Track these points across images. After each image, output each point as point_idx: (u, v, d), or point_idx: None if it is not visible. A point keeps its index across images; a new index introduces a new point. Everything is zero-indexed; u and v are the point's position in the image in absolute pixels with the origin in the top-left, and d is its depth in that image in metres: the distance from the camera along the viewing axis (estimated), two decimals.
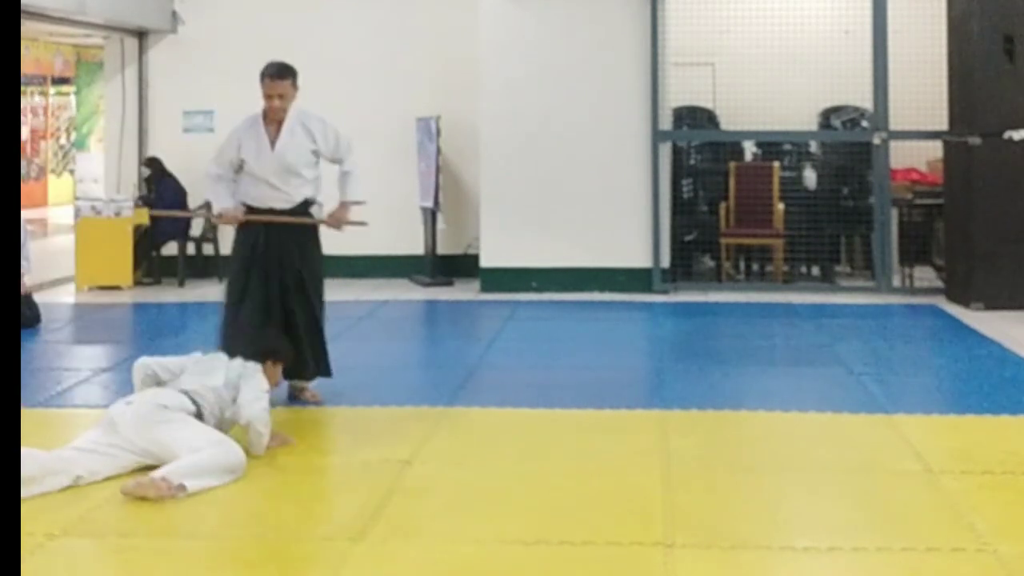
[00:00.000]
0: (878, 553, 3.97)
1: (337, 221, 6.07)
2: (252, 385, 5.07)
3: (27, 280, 8.54)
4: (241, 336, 5.54)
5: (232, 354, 5.26)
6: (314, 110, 6.06)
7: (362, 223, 6.21)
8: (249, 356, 5.23)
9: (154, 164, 10.83)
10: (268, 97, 5.72)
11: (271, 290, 5.82)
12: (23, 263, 8.50)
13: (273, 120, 5.82)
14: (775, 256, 10.36)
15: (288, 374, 5.68)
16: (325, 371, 6.08)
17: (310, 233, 6.01)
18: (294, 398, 6.02)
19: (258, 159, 5.80)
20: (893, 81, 9.83)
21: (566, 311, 9.22)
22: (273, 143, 5.80)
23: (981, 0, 9.12)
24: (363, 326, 8.55)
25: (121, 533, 4.22)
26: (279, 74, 5.73)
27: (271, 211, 5.86)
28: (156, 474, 4.53)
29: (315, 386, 6.10)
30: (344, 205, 6.06)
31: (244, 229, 5.92)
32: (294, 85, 5.78)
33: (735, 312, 9.04)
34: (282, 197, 5.86)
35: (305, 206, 5.96)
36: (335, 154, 5.97)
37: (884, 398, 6.12)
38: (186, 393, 4.95)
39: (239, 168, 5.89)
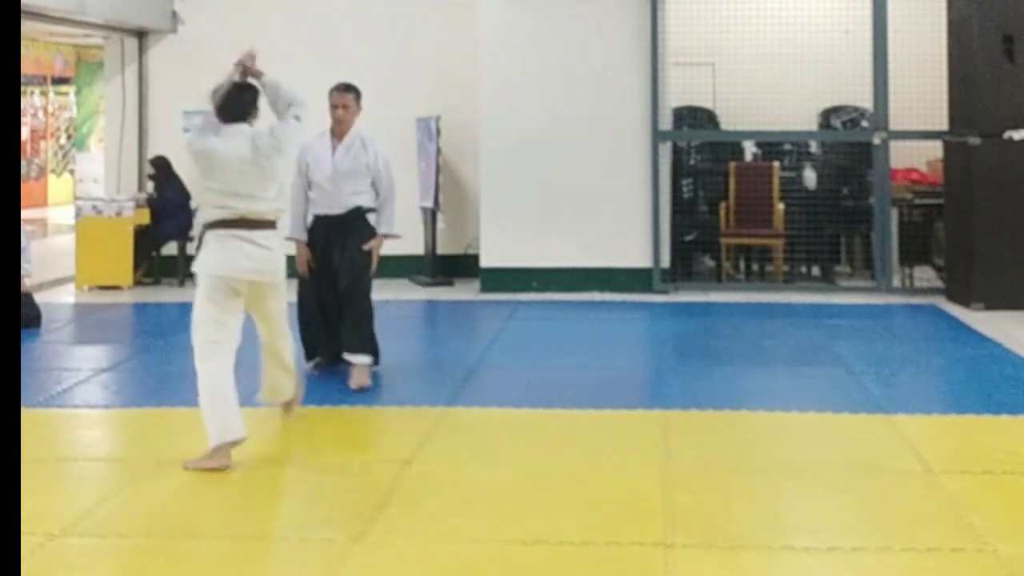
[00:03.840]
0: (878, 553, 3.98)
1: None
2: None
3: (27, 281, 8.56)
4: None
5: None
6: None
7: (397, 235, 6.79)
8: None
9: (160, 164, 10.76)
10: (333, 107, 6.56)
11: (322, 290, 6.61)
12: (24, 265, 8.53)
13: (337, 133, 6.60)
14: (775, 256, 10.36)
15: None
16: (363, 348, 6.53)
17: (360, 234, 6.55)
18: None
19: (319, 164, 6.58)
20: (893, 81, 9.83)
21: (566, 311, 9.22)
22: (334, 152, 6.57)
23: (981, 0, 9.12)
24: None
25: (121, 533, 4.22)
26: (346, 88, 6.63)
27: (327, 218, 6.56)
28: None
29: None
30: (381, 238, 6.63)
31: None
32: (357, 101, 6.62)
33: (735, 312, 9.04)
34: (336, 202, 6.55)
35: (359, 212, 6.56)
36: (376, 179, 6.59)
37: (884, 398, 6.12)
38: None
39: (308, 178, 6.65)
